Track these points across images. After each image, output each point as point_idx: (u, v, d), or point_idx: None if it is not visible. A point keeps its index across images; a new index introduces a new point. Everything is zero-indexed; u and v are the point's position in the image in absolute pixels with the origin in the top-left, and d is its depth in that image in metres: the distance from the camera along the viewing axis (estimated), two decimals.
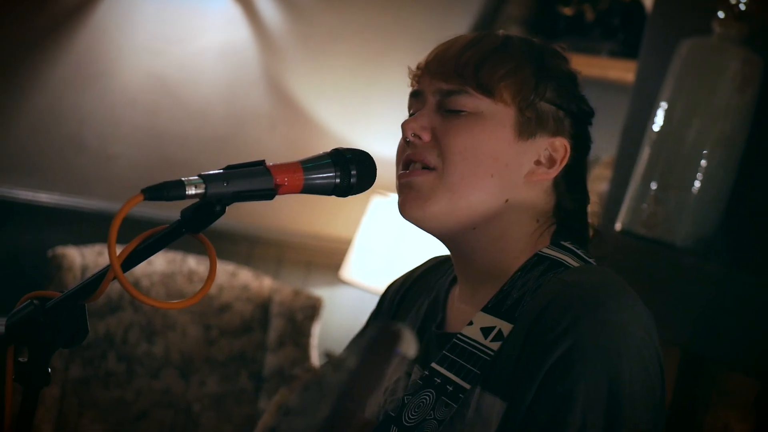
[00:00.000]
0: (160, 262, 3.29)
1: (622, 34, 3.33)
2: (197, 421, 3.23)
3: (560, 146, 1.45)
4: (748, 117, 2.24)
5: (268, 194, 1.21)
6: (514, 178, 1.43)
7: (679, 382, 2.44)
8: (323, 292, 3.74)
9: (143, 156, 3.52)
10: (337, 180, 1.27)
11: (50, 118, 3.43)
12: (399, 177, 1.45)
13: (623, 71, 3.14)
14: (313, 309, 3.40)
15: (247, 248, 3.72)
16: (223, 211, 1.18)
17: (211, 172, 1.17)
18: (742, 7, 2.23)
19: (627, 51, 3.27)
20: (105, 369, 3.17)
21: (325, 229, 3.79)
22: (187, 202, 1.19)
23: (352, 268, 3.61)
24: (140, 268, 3.24)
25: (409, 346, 0.95)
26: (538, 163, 1.44)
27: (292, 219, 3.79)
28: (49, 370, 1.20)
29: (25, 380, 1.18)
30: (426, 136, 1.43)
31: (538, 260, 1.43)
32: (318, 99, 3.75)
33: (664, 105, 2.32)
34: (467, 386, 1.37)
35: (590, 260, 1.46)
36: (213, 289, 3.32)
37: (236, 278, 3.38)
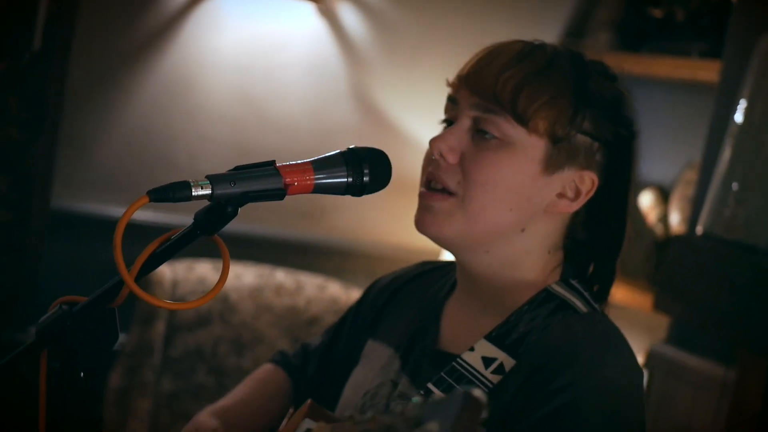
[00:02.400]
0: (249, 276, 3.32)
1: (713, 34, 3.24)
2: None
3: (587, 180, 1.41)
4: None
5: (278, 194, 1.20)
6: (533, 211, 1.41)
7: None
8: None
9: (218, 172, 3.56)
10: (350, 179, 1.25)
11: (140, 137, 3.51)
12: (420, 194, 1.45)
13: (714, 72, 3.05)
14: None
15: (337, 261, 3.73)
16: (235, 213, 1.18)
17: (220, 173, 1.17)
18: None
19: (718, 51, 3.17)
20: (195, 382, 3.21)
21: (417, 241, 3.77)
22: (200, 205, 1.19)
23: None
24: (229, 283, 3.28)
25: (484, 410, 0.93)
26: (561, 195, 1.41)
27: (383, 232, 3.79)
28: (81, 374, 1.20)
29: (57, 384, 1.18)
30: (452, 159, 1.41)
31: (546, 297, 1.42)
32: (405, 111, 3.74)
33: (743, 103, 2.25)
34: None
35: (595, 305, 1.44)
36: (301, 302, 3.33)
37: (325, 291, 3.39)
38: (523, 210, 1.40)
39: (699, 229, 2.30)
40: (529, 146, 1.38)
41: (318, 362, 1.68)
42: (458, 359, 1.40)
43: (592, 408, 1.30)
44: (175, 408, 3.20)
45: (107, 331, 1.20)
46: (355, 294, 3.43)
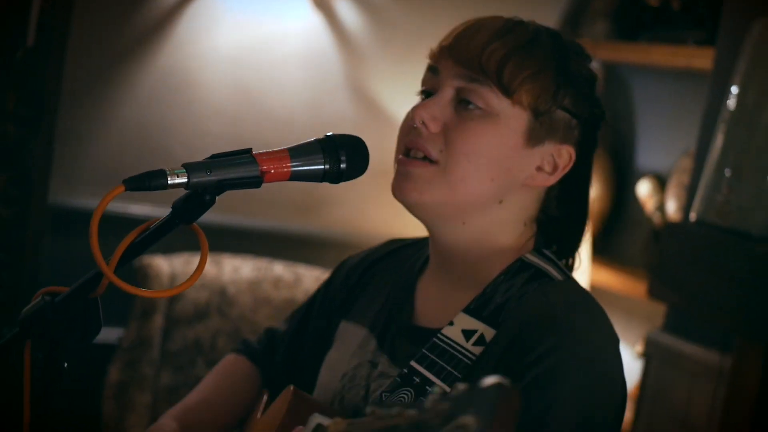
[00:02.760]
0: (247, 269, 3.33)
1: (709, 22, 3.23)
2: None
3: (566, 154, 1.44)
4: None
5: (255, 182, 1.21)
6: (512, 182, 1.42)
7: (765, 377, 2.35)
8: None
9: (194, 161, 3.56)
10: (327, 166, 1.26)
11: (137, 132, 3.51)
12: (398, 161, 1.44)
13: (711, 60, 3.04)
14: None
15: (335, 254, 3.72)
16: (213, 201, 1.18)
17: (196, 161, 1.18)
18: None
19: (714, 39, 3.17)
20: (194, 375, 3.22)
21: (414, 232, 3.78)
22: (178, 194, 1.19)
23: None
24: (227, 276, 3.28)
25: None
26: (539, 168, 1.43)
27: (381, 223, 3.79)
28: (65, 365, 1.20)
29: (41, 375, 1.19)
30: (434, 128, 1.41)
31: (521, 266, 1.43)
32: (403, 102, 3.72)
33: (735, 89, 2.24)
34: (447, 389, 1.35)
35: (568, 273, 1.46)
36: (299, 294, 3.34)
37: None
38: (503, 181, 1.40)
39: (692, 216, 2.30)
40: (512, 118, 1.39)
41: (287, 347, 1.67)
42: (439, 334, 1.40)
43: (575, 371, 1.31)
44: (174, 402, 3.19)
45: (90, 321, 1.20)
46: None
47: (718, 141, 2.26)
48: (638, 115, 3.54)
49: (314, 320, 1.66)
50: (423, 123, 1.41)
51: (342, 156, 1.25)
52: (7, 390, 1.22)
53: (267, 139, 3.61)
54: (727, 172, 2.21)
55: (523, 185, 1.43)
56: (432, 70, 1.46)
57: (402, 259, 1.61)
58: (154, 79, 3.50)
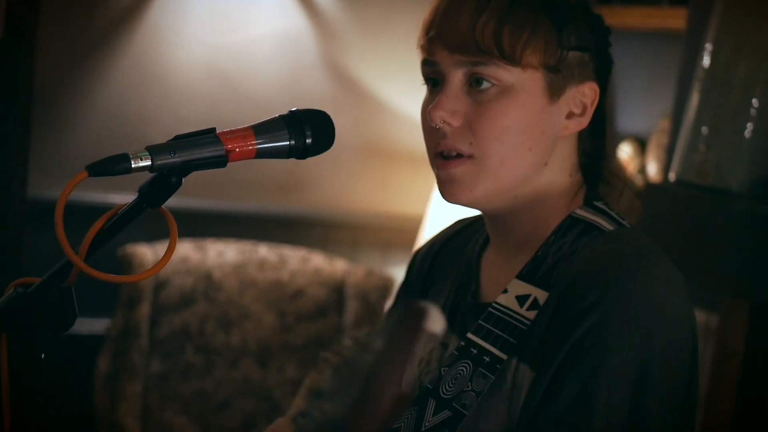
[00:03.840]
0: (231, 252, 3.32)
1: None
2: (279, 408, 3.25)
3: (590, 91, 1.39)
4: None
5: (220, 161, 1.19)
6: (550, 141, 1.38)
7: (751, 334, 2.35)
8: (401, 271, 3.72)
9: (157, 143, 3.55)
10: (292, 142, 1.24)
11: (114, 121, 3.49)
12: (437, 166, 1.39)
13: (684, 20, 3.04)
14: (385, 289, 3.39)
15: (321, 233, 3.72)
16: (179, 183, 1.17)
17: (159, 143, 1.17)
18: None
19: None
20: (184, 362, 3.22)
21: (399, 208, 3.77)
22: (143, 179, 1.18)
23: None
24: (212, 260, 3.27)
25: (436, 323, 0.92)
26: (570, 115, 1.38)
27: (365, 201, 3.78)
28: (42, 356, 1.19)
29: (18, 368, 1.18)
30: (456, 122, 1.36)
31: (572, 223, 1.38)
32: (380, 79, 3.72)
33: (709, 47, 2.23)
34: (504, 356, 1.33)
35: (623, 222, 1.40)
36: (285, 275, 3.33)
37: (308, 263, 3.39)
38: (541, 145, 1.37)
39: (671, 176, 2.30)
40: (527, 83, 1.35)
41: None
42: (494, 303, 1.38)
43: (623, 324, 1.25)
44: (165, 389, 3.20)
45: (65, 310, 1.19)
46: (339, 264, 3.43)
47: (694, 100, 2.26)
48: (616, 79, 3.52)
49: None
50: (444, 122, 1.36)
51: (307, 131, 1.24)
52: None
53: (245, 122, 3.57)
54: (704, 131, 2.21)
55: (559, 138, 1.39)
56: (429, 64, 1.40)
57: (465, 239, 1.57)
58: (129, 67, 3.47)
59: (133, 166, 1.12)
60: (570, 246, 1.36)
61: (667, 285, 1.30)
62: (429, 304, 0.93)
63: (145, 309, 3.19)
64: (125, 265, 3.16)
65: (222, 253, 3.31)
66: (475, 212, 1.53)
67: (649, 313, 1.26)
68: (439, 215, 3.55)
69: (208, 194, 3.53)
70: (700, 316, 2.61)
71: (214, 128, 1.18)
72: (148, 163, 1.14)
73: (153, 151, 1.14)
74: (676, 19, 3.11)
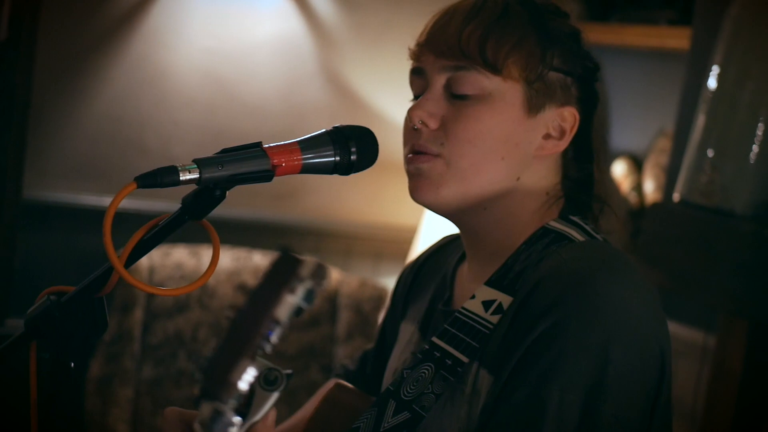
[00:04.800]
0: (226, 259, 3.31)
1: (681, 2, 3.24)
2: None
3: (569, 116, 1.41)
4: None
5: (266, 176, 1.19)
6: (524, 156, 1.39)
7: (749, 353, 2.37)
8: (393, 282, 3.72)
9: (203, 155, 3.54)
10: (337, 158, 1.25)
11: (111, 123, 3.48)
12: (407, 161, 1.41)
13: (683, 39, 3.06)
14: (379, 299, 3.39)
15: (314, 242, 3.72)
16: (223, 196, 1.17)
17: (207, 156, 1.16)
18: None
19: (686, 18, 3.18)
20: (176, 368, 3.20)
21: (393, 218, 3.78)
22: (186, 190, 1.18)
23: None
24: (206, 266, 3.26)
25: (314, 273, 0.94)
26: (547, 136, 1.40)
27: (358, 210, 3.79)
28: (72, 364, 1.19)
29: (49, 376, 1.17)
30: (433, 124, 1.39)
31: (543, 233, 1.39)
32: (376, 88, 3.73)
33: (716, 69, 2.25)
34: (466, 360, 1.34)
35: (597, 235, 1.41)
36: None
37: None
38: (515, 158, 1.38)
39: (676, 196, 2.31)
40: (506, 92, 1.37)
41: (373, 362, 1.68)
42: (461, 308, 1.39)
43: (579, 328, 1.24)
44: (156, 395, 3.19)
45: (96, 320, 1.19)
46: (332, 274, 3.43)
47: (700, 121, 2.27)
48: (611, 96, 3.55)
49: (389, 329, 1.66)
50: (422, 122, 1.39)
51: (352, 147, 1.24)
52: (13, 391, 1.20)
53: (241, 128, 3.59)
54: (710, 153, 2.22)
55: (535, 157, 1.40)
56: (416, 72, 1.44)
57: (446, 254, 1.60)
58: (126, 70, 3.46)
59: (181, 178, 1.12)
60: (538, 254, 1.37)
61: (631, 293, 1.29)
62: (311, 258, 0.96)
63: (138, 314, 3.17)
64: None
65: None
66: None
67: (608, 320, 1.25)
68: (433, 227, 3.55)
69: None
70: (697, 336, 2.63)
71: (260, 142, 1.18)
72: (196, 176, 1.13)
73: (201, 164, 1.13)
74: (674, 39, 3.13)
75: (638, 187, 3.27)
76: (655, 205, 2.46)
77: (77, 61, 3.43)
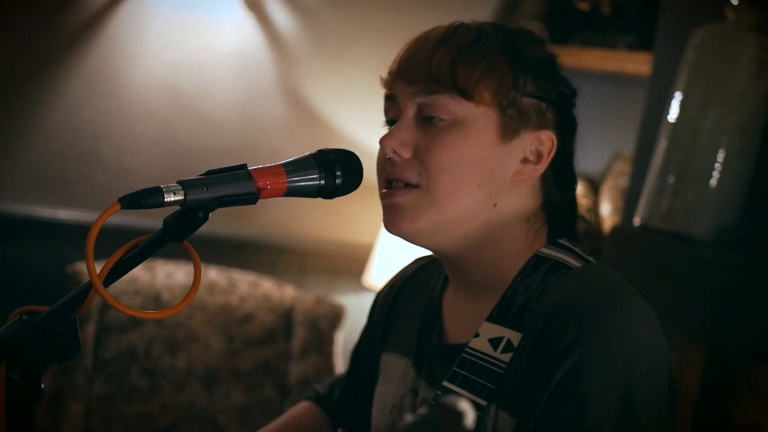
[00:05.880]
0: (180, 275, 3.28)
1: (639, 27, 3.28)
2: None
3: (546, 140, 1.40)
4: (766, 103, 2.19)
5: (251, 199, 1.18)
6: (501, 182, 1.38)
7: (706, 378, 2.38)
8: (347, 300, 3.71)
9: (160, 169, 3.51)
10: (322, 182, 1.24)
11: (67, 134, 3.43)
12: (382, 196, 1.40)
13: (641, 64, 3.09)
14: (335, 317, 3.37)
15: (269, 258, 3.70)
16: (206, 218, 1.15)
17: (191, 177, 1.15)
18: None
19: (645, 44, 3.22)
20: (129, 384, 3.16)
21: (348, 236, 3.77)
22: (169, 210, 1.16)
23: (374, 274, 3.58)
24: (161, 282, 3.23)
25: (470, 418, 0.90)
26: (524, 161, 1.39)
27: (314, 227, 3.77)
28: (42, 385, 1.17)
29: (18, 397, 1.15)
30: (406, 153, 1.38)
31: (537, 261, 1.38)
32: (336, 104, 3.72)
33: (679, 95, 2.27)
34: (483, 403, 1.32)
35: (589, 258, 1.41)
36: (235, 300, 3.30)
37: (258, 288, 3.36)
38: (492, 184, 1.37)
39: (636, 220, 2.33)
40: (479, 118, 1.36)
41: (344, 387, 1.66)
42: (466, 348, 1.37)
43: (602, 363, 1.25)
44: (108, 410, 3.14)
45: (69, 340, 1.16)
46: (288, 290, 3.41)
47: (662, 146, 2.29)
48: None
49: (364, 357, 1.64)
50: (394, 152, 1.38)
51: (338, 171, 1.23)
52: None
53: (199, 142, 3.57)
54: (671, 178, 2.24)
55: (513, 182, 1.39)
56: (389, 99, 1.43)
57: (426, 279, 1.57)
58: (84, 81, 3.42)
59: (166, 200, 1.10)
60: (538, 285, 1.36)
61: (641, 320, 1.31)
62: (459, 399, 0.92)
63: (90, 329, 3.13)
64: (74, 282, 3.10)
65: (171, 275, 3.26)
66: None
67: (626, 350, 1.27)
68: (390, 245, 3.55)
69: (158, 215, 3.49)
70: None
71: (246, 164, 1.16)
72: (181, 197, 1.12)
73: (186, 185, 1.12)
74: (633, 63, 3.16)
75: (595, 209, 3.30)
76: (616, 229, 2.48)
77: (33, 72, 3.39)
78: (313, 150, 1.28)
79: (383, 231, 3.59)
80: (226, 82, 3.59)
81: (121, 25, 3.42)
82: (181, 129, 3.55)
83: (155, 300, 3.20)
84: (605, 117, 3.53)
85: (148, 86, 3.49)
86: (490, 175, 1.37)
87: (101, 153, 3.48)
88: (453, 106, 1.36)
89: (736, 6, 2.20)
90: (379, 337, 1.60)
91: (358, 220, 3.75)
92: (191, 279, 3.45)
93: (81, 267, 3.14)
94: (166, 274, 3.26)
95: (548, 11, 3.66)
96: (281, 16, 3.62)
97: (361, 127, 3.70)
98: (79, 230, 3.39)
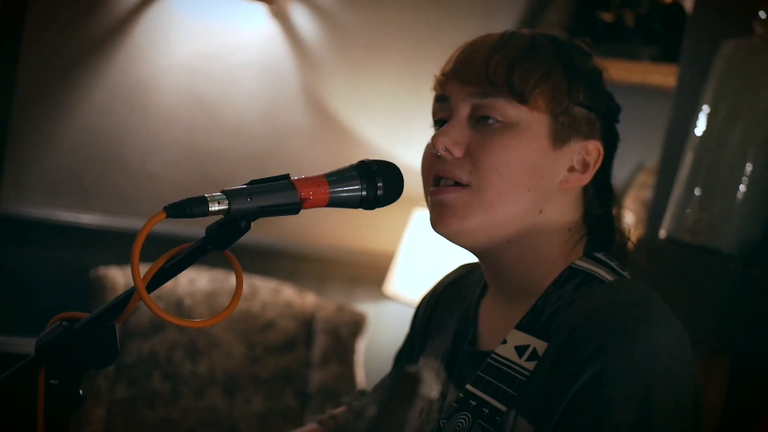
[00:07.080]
0: (203, 281, 3.29)
1: (663, 39, 3.29)
2: None
3: (593, 150, 1.41)
4: None
5: (294, 209, 1.19)
6: (548, 188, 1.39)
7: (730, 391, 2.38)
8: (367, 308, 3.72)
9: (182, 174, 3.52)
10: (364, 193, 1.24)
11: (90, 139, 3.45)
12: (430, 193, 1.41)
13: (664, 76, 3.09)
14: (356, 325, 3.38)
15: (290, 265, 3.70)
16: (248, 227, 1.16)
17: (235, 187, 1.15)
18: None
19: (668, 55, 3.22)
20: (150, 389, 3.17)
21: (369, 244, 3.77)
22: (212, 219, 1.17)
23: (395, 283, 3.59)
24: (183, 288, 3.24)
25: (430, 387, 0.92)
26: (571, 169, 1.40)
27: (335, 235, 3.78)
28: (80, 392, 1.18)
29: (57, 403, 1.16)
30: (458, 152, 1.38)
31: (571, 273, 1.39)
32: (358, 113, 3.73)
33: (706, 108, 2.27)
34: (503, 408, 1.33)
35: (624, 273, 1.41)
36: (256, 307, 3.31)
37: (279, 295, 3.37)
38: (540, 189, 1.37)
39: (662, 233, 2.33)
40: (533, 123, 1.37)
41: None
42: (493, 354, 1.38)
43: (624, 373, 1.25)
44: (129, 415, 3.15)
45: (108, 347, 1.17)
46: (309, 298, 3.41)
47: (688, 158, 2.29)
48: None
49: (405, 361, 1.64)
50: (446, 149, 1.38)
51: (379, 182, 1.24)
52: (19, 418, 1.18)
53: (221, 148, 3.58)
54: (698, 191, 2.24)
55: (559, 190, 1.39)
56: (441, 99, 1.44)
57: (466, 286, 1.58)
58: (108, 86, 3.44)
59: (210, 209, 1.11)
60: (569, 296, 1.36)
61: (667, 335, 1.30)
62: (422, 367, 0.93)
63: None
64: (97, 287, 3.11)
65: (194, 281, 3.28)
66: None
67: (649, 364, 1.26)
68: (411, 254, 3.55)
69: (180, 221, 3.50)
70: None
71: (288, 174, 1.17)
72: (225, 207, 1.12)
73: (230, 195, 1.12)
74: (656, 75, 3.17)
75: (617, 221, 3.30)
76: (641, 241, 2.48)
77: (59, 75, 3.40)
78: (337, 157, 1.30)
79: (404, 239, 3.59)
80: (249, 89, 3.60)
81: (145, 31, 3.44)
82: (204, 135, 3.56)
83: (177, 306, 3.21)
84: (627, 128, 3.50)
85: (172, 92, 3.51)
86: (539, 181, 1.38)
87: (124, 158, 3.49)
88: (508, 109, 1.37)
89: (764, 20, 2.20)
90: (419, 342, 1.61)
91: (380, 228, 3.75)
92: (214, 285, 3.47)
93: (105, 272, 3.16)
94: (189, 281, 3.27)
95: (571, 21, 3.66)
96: (305, 24, 3.63)
97: (384, 135, 3.71)
98: (102, 235, 3.40)
